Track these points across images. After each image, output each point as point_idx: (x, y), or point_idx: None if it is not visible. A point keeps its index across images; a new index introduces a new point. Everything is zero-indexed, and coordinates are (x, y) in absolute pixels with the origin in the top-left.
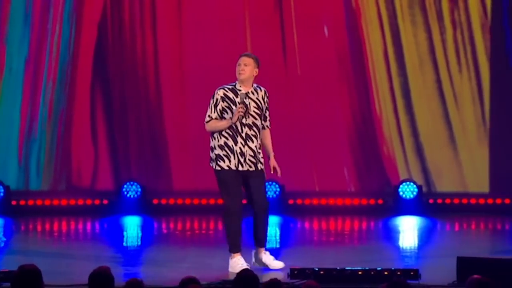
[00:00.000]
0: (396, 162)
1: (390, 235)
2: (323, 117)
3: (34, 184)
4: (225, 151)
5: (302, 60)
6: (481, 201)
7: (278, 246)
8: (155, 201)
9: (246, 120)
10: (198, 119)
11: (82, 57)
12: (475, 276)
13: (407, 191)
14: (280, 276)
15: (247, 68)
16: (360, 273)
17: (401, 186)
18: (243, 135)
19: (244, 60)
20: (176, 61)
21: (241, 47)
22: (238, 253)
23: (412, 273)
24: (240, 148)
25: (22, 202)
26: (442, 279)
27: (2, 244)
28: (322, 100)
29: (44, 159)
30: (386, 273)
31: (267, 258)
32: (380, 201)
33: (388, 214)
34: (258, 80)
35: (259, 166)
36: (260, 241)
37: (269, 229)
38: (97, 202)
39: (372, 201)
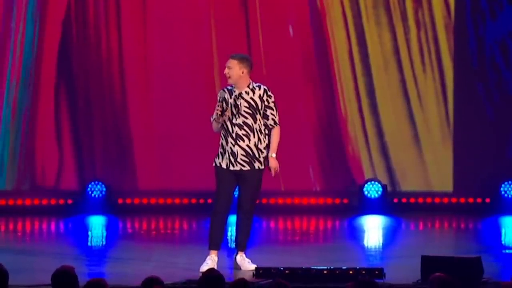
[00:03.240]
0: (361, 161)
1: (355, 234)
2: (289, 117)
3: None
4: (221, 149)
5: (267, 60)
6: (445, 200)
7: None
8: (120, 201)
9: (236, 120)
10: (163, 118)
11: (46, 56)
12: (437, 274)
13: (372, 190)
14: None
15: (231, 70)
16: (325, 272)
17: (366, 185)
18: (233, 135)
19: (228, 63)
20: (141, 59)
21: (206, 46)
22: (213, 251)
23: (376, 272)
24: (230, 148)
25: None
26: (406, 278)
27: None
28: (287, 100)
29: (8, 159)
30: (351, 272)
31: (240, 259)
32: (345, 201)
33: (353, 213)
34: (224, 79)
35: (256, 165)
36: (237, 244)
37: (232, 228)
38: (61, 201)
39: (337, 201)
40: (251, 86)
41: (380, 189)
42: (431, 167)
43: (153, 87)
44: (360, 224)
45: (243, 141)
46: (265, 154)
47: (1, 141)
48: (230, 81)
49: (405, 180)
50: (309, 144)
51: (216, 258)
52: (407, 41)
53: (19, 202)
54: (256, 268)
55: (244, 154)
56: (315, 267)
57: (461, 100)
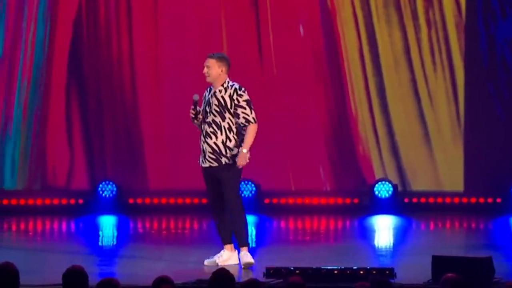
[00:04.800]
0: (372, 161)
1: (366, 234)
2: (299, 117)
3: (8, 183)
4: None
5: (278, 60)
6: (456, 200)
7: (254, 245)
8: (130, 201)
9: (207, 118)
10: (174, 118)
11: (57, 57)
12: (449, 274)
13: (383, 190)
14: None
15: (210, 69)
16: (335, 272)
17: (376, 185)
18: (204, 132)
19: (206, 62)
20: (152, 60)
21: (217, 46)
22: (224, 246)
23: (387, 272)
24: (202, 145)
25: None
26: (417, 278)
27: None
28: (298, 99)
29: (19, 159)
30: (361, 272)
31: (240, 255)
32: (355, 200)
33: (363, 213)
34: (234, 79)
35: (223, 160)
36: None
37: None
38: (72, 201)
39: (347, 200)
40: (225, 85)
41: (391, 188)
42: (441, 166)
43: (163, 87)
44: (370, 224)
45: (211, 138)
46: (234, 152)
47: (12, 141)
48: (208, 80)
49: (415, 180)
50: (320, 143)
51: (224, 252)
52: (418, 40)
53: (30, 202)
54: (266, 268)
55: (211, 151)
56: (326, 267)
57: (472, 100)
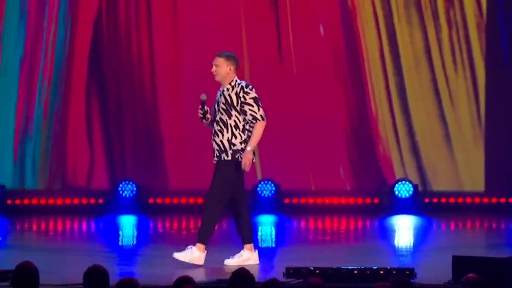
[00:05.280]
0: (392, 161)
1: (386, 234)
2: (319, 116)
3: (29, 183)
4: None
5: (298, 60)
6: (477, 200)
7: (274, 245)
8: (150, 200)
9: (216, 116)
10: (194, 118)
11: (77, 57)
12: (470, 274)
13: (403, 190)
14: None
15: (218, 68)
16: (355, 272)
17: (396, 185)
18: (213, 130)
19: (215, 61)
20: (172, 60)
21: (237, 46)
22: (244, 246)
23: (407, 272)
24: (212, 144)
25: (17, 201)
26: (437, 278)
27: None
28: (318, 99)
29: (40, 158)
30: (381, 272)
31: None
32: (376, 200)
33: (383, 213)
34: (255, 79)
35: (223, 156)
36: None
37: (263, 228)
38: (92, 201)
39: (368, 200)
40: (232, 83)
41: (411, 189)
42: (462, 166)
43: (183, 87)
44: (391, 224)
45: (218, 136)
46: (238, 147)
47: (33, 141)
48: (216, 78)
49: (436, 180)
50: (340, 143)
51: (244, 252)
52: (439, 40)
53: (51, 201)
54: (286, 268)
55: (218, 149)
56: (346, 267)
57: (493, 99)
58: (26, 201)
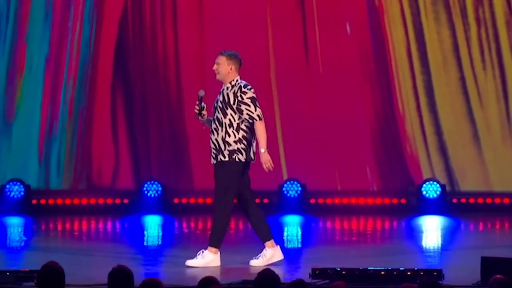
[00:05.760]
0: (419, 161)
1: (413, 234)
2: (346, 116)
3: (54, 183)
4: None
5: (324, 58)
6: (506, 200)
7: (299, 245)
8: (175, 200)
9: (215, 115)
10: None
11: (102, 56)
12: (498, 276)
13: (431, 190)
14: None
15: (219, 66)
16: (382, 273)
17: (424, 185)
18: (211, 129)
19: (217, 59)
20: (197, 59)
21: (263, 45)
22: (265, 244)
23: (435, 273)
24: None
25: (42, 201)
26: (466, 279)
27: (23, 244)
28: (344, 98)
29: (65, 158)
30: (409, 273)
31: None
32: (403, 201)
33: (411, 213)
34: (280, 78)
35: (219, 157)
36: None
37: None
38: (117, 201)
39: (395, 201)
40: (232, 83)
41: (439, 189)
42: (491, 166)
43: (208, 87)
44: (418, 224)
45: (213, 135)
46: (233, 147)
47: (58, 141)
48: (217, 77)
49: (464, 180)
50: (366, 143)
51: (267, 250)
52: (467, 38)
53: (76, 201)
54: (312, 269)
55: (214, 148)
56: (372, 268)
57: None
58: (51, 201)
